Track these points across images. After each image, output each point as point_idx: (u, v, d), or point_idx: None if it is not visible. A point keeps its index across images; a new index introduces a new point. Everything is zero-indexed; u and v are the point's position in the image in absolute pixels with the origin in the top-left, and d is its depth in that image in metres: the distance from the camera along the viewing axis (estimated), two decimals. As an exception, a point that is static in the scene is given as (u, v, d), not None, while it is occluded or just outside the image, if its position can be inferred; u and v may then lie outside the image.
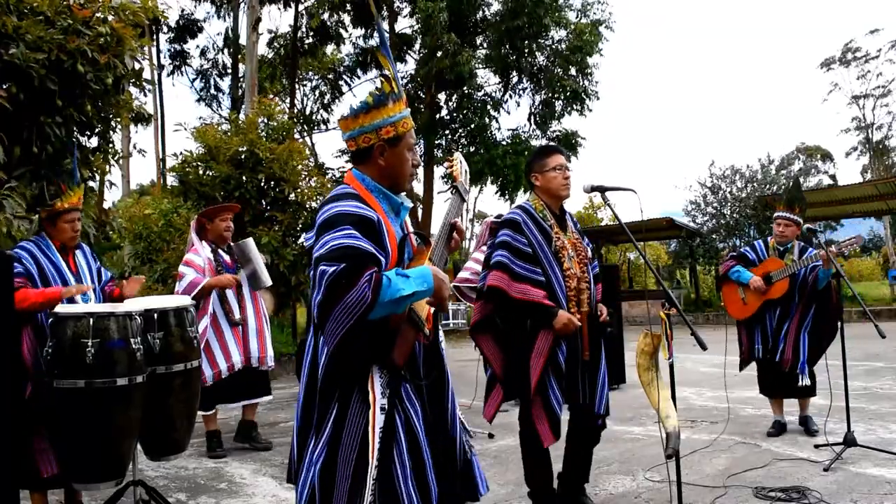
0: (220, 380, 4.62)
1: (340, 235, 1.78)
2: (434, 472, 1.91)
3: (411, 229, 2.12)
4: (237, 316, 4.72)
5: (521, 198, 17.29)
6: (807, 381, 4.60)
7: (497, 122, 18.45)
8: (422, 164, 16.16)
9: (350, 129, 1.99)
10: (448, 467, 2.02)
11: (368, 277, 1.71)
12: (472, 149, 17.74)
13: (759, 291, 4.69)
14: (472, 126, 17.87)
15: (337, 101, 22.06)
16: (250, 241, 4.86)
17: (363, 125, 1.96)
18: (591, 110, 17.81)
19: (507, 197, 17.65)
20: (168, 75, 21.35)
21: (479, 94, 18.73)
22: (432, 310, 2.00)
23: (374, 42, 20.40)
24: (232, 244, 4.86)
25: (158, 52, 20.15)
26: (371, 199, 1.96)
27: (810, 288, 4.61)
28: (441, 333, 2.19)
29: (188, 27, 20.82)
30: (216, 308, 4.66)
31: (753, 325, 4.82)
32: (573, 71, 17.42)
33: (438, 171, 19.40)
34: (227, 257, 4.79)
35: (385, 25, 19.41)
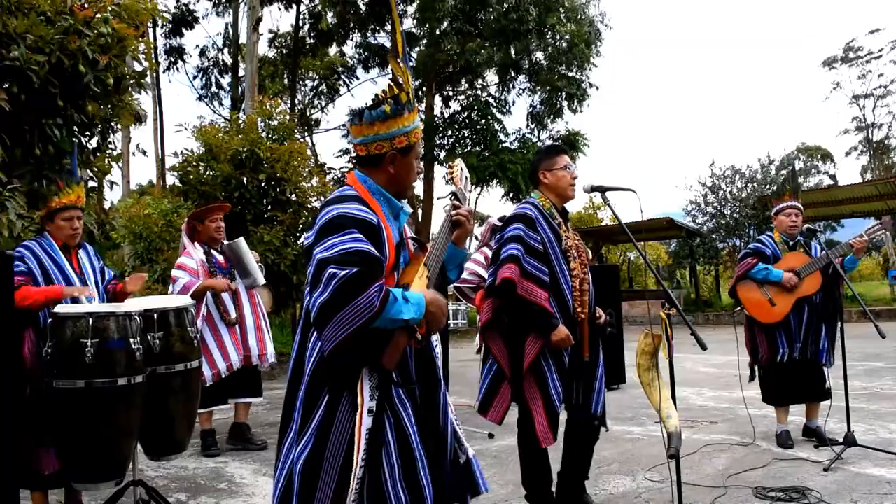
0: (218, 380, 4.60)
1: (349, 239, 1.79)
2: (428, 473, 1.93)
3: (409, 234, 2.13)
4: (233, 315, 4.70)
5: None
6: (829, 383, 4.33)
7: (502, 124, 18.53)
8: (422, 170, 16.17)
9: (364, 135, 2.00)
10: (439, 469, 2.03)
11: (378, 288, 1.74)
12: (477, 148, 17.79)
13: (792, 289, 4.30)
14: (478, 127, 17.92)
15: (336, 100, 22.11)
16: (241, 241, 4.80)
17: (378, 133, 1.97)
18: (588, 105, 17.89)
19: (517, 199, 17.69)
20: (164, 71, 21.24)
21: (484, 94, 18.76)
22: None
23: (374, 42, 20.43)
24: (224, 244, 4.81)
25: (156, 49, 20.08)
26: (372, 201, 1.98)
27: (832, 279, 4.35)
28: (436, 338, 2.17)
29: (184, 19, 20.64)
30: (211, 308, 4.64)
31: (776, 326, 4.37)
32: (573, 68, 17.48)
33: (440, 171, 19.44)
34: (220, 258, 4.76)
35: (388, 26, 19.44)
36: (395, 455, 1.85)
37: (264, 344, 4.81)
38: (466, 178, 2.34)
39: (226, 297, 4.70)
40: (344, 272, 1.72)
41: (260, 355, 4.78)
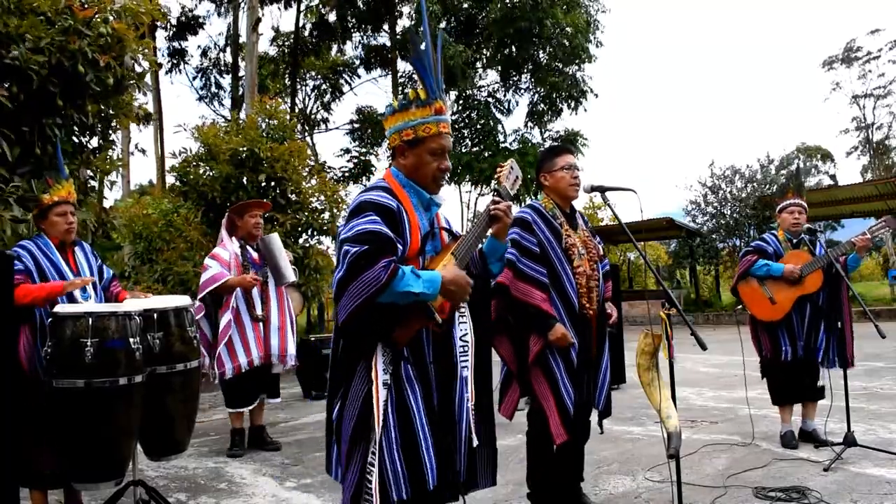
0: (244, 379, 4.60)
1: (365, 221, 1.98)
2: (434, 453, 2.00)
3: (443, 225, 2.25)
4: (259, 312, 4.69)
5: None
6: (824, 382, 4.31)
7: (502, 125, 18.53)
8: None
9: (386, 128, 2.19)
10: (451, 453, 2.10)
11: (386, 263, 1.89)
12: (476, 149, 17.81)
13: (794, 283, 4.26)
14: (477, 127, 17.93)
15: (338, 100, 22.10)
16: (275, 237, 4.82)
17: (391, 126, 2.16)
18: (585, 110, 17.97)
19: (518, 201, 17.71)
20: (166, 73, 21.24)
21: (482, 94, 18.76)
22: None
23: (375, 42, 20.44)
24: (259, 239, 4.82)
25: (156, 50, 20.04)
26: (401, 191, 2.14)
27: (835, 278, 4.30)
28: (467, 325, 2.19)
29: (188, 24, 20.61)
30: (239, 303, 4.64)
31: (778, 325, 4.35)
32: (572, 68, 17.53)
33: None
34: (255, 254, 4.78)
35: (386, 26, 19.45)
36: (392, 429, 1.97)
37: (286, 343, 4.76)
38: (518, 177, 2.36)
39: (255, 293, 4.69)
40: (356, 249, 1.91)
41: (280, 355, 4.73)
